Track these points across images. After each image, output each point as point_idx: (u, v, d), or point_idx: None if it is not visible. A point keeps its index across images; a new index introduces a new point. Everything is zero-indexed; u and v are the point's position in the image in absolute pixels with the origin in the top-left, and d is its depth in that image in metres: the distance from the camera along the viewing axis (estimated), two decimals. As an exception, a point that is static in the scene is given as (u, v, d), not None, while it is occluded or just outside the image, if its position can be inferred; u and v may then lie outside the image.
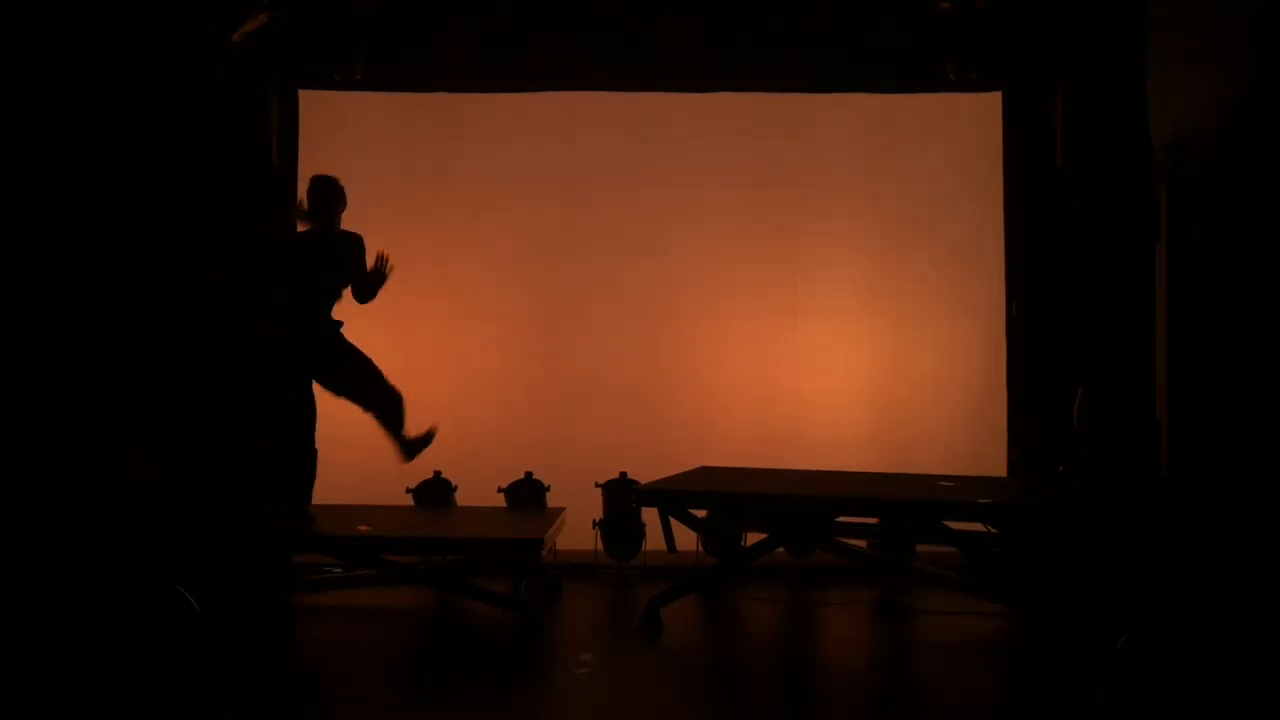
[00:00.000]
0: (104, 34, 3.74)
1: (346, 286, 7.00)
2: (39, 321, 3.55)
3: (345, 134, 8.48)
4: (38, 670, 3.55)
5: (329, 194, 6.96)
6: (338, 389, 6.99)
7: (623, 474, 7.89)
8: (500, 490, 7.91)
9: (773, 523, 7.04)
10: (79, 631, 3.60)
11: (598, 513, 7.86)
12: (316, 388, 6.98)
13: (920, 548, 7.58)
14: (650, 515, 7.40)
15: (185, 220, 7.74)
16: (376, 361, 7.03)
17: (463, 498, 7.89)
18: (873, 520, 7.02)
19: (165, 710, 4.30)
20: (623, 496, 7.69)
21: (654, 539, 7.58)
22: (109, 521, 3.65)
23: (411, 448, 7.05)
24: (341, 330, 7.01)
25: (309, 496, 6.99)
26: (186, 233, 7.75)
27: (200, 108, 7.70)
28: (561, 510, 7.53)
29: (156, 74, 6.89)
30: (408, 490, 7.86)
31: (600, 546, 7.86)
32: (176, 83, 7.38)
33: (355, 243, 7.01)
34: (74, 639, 3.60)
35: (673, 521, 7.12)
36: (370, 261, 6.93)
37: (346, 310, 7.05)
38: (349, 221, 7.03)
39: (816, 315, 8.56)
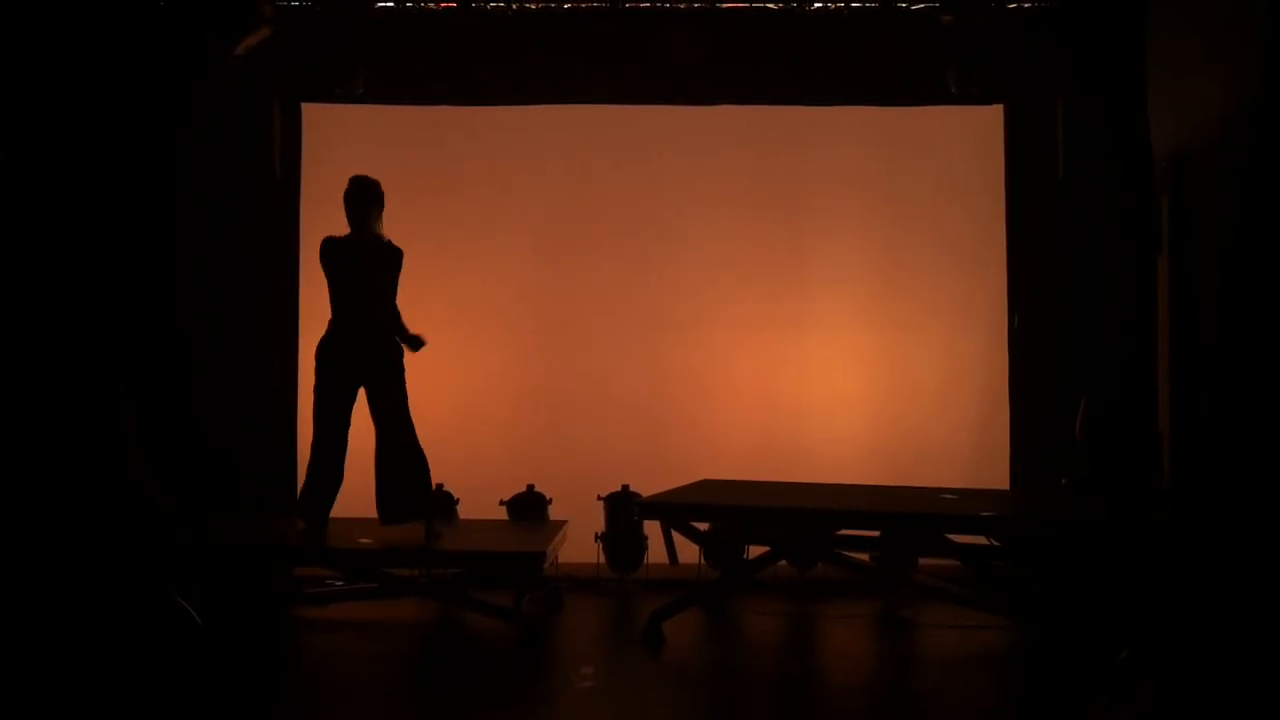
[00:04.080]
0: (108, 43, 3.76)
1: (390, 294, 6.87)
2: (39, 321, 3.55)
3: (348, 146, 8.49)
4: (37, 670, 3.55)
5: (363, 195, 6.83)
6: (379, 399, 6.87)
7: (625, 487, 7.88)
8: (502, 503, 7.90)
9: (775, 535, 7.03)
10: (78, 631, 3.60)
11: (600, 525, 7.86)
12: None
13: (922, 560, 7.56)
14: (652, 528, 7.39)
15: (185, 225, 7.78)
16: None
17: (464, 510, 7.88)
18: (875, 533, 7.00)
19: (162, 711, 4.29)
20: (625, 509, 7.68)
21: (656, 552, 7.58)
22: (109, 521, 3.65)
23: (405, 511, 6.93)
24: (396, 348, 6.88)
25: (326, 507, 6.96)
26: (186, 237, 7.79)
27: (203, 118, 7.74)
28: (563, 523, 7.52)
29: (159, 83, 6.93)
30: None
31: (602, 559, 7.85)
32: (179, 92, 7.41)
33: (395, 255, 6.88)
34: (73, 638, 3.60)
35: (675, 534, 7.11)
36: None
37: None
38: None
39: (819, 327, 8.55)
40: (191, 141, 7.78)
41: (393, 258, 6.88)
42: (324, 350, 6.88)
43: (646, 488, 7.50)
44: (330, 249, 6.85)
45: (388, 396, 6.86)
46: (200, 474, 7.47)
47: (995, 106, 8.46)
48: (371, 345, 6.85)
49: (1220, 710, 4.05)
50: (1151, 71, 7.05)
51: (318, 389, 6.90)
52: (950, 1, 7.88)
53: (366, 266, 6.85)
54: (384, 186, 7.03)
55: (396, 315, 6.89)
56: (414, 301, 7.08)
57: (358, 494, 7.15)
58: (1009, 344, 8.39)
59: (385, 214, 6.93)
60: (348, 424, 6.93)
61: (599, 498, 7.86)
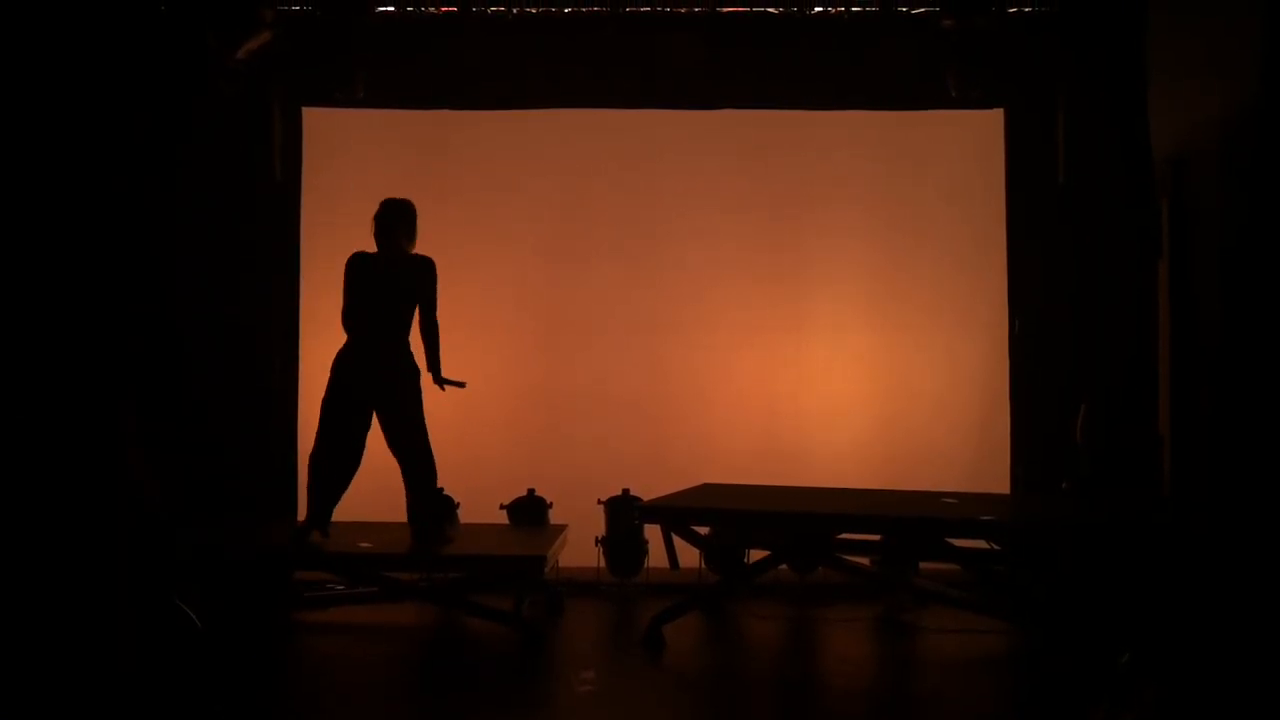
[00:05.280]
0: (109, 45, 3.77)
1: (413, 312, 6.91)
2: (41, 322, 3.56)
3: (348, 150, 8.52)
4: (38, 671, 3.55)
5: (390, 217, 6.90)
6: (390, 420, 6.91)
7: (625, 491, 7.87)
8: (502, 507, 7.89)
9: (775, 539, 7.03)
10: (79, 633, 3.60)
11: (600, 530, 7.85)
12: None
13: (923, 564, 7.55)
14: (653, 532, 7.38)
15: (186, 227, 7.79)
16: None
17: (465, 514, 7.87)
18: (875, 537, 7.00)
19: (163, 713, 4.30)
20: (625, 513, 7.67)
21: (656, 556, 7.57)
22: (109, 522, 3.65)
23: (427, 524, 6.99)
24: (413, 371, 6.92)
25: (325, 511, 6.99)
26: (187, 240, 7.80)
27: (204, 121, 7.75)
28: (564, 527, 7.52)
29: (161, 86, 6.94)
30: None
31: (603, 563, 7.84)
32: (180, 95, 7.42)
33: (424, 267, 6.93)
34: (74, 640, 3.60)
35: (675, 538, 7.11)
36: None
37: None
38: (358, 233, 7.02)
39: (819, 331, 8.56)
40: (192, 144, 7.79)
41: (420, 273, 6.92)
42: (341, 364, 6.92)
43: (647, 491, 7.50)
44: (357, 264, 6.88)
45: (404, 424, 6.90)
46: (200, 476, 7.48)
47: (996, 110, 8.45)
48: (388, 367, 6.89)
49: (1221, 715, 4.05)
50: (1151, 74, 7.06)
51: (330, 400, 6.92)
52: (950, 5, 7.88)
53: (390, 286, 6.90)
54: (384, 190, 7.05)
55: (435, 331, 6.94)
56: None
57: (358, 497, 7.16)
58: (1009, 347, 8.39)
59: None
60: (362, 439, 6.96)
61: (599, 502, 7.85)
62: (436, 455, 7.00)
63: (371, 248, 6.98)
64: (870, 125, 8.60)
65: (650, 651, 6.49)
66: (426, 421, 7.00)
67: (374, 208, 7.00)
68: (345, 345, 6.94)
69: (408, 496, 6.98)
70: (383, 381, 6.89)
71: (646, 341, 8.56)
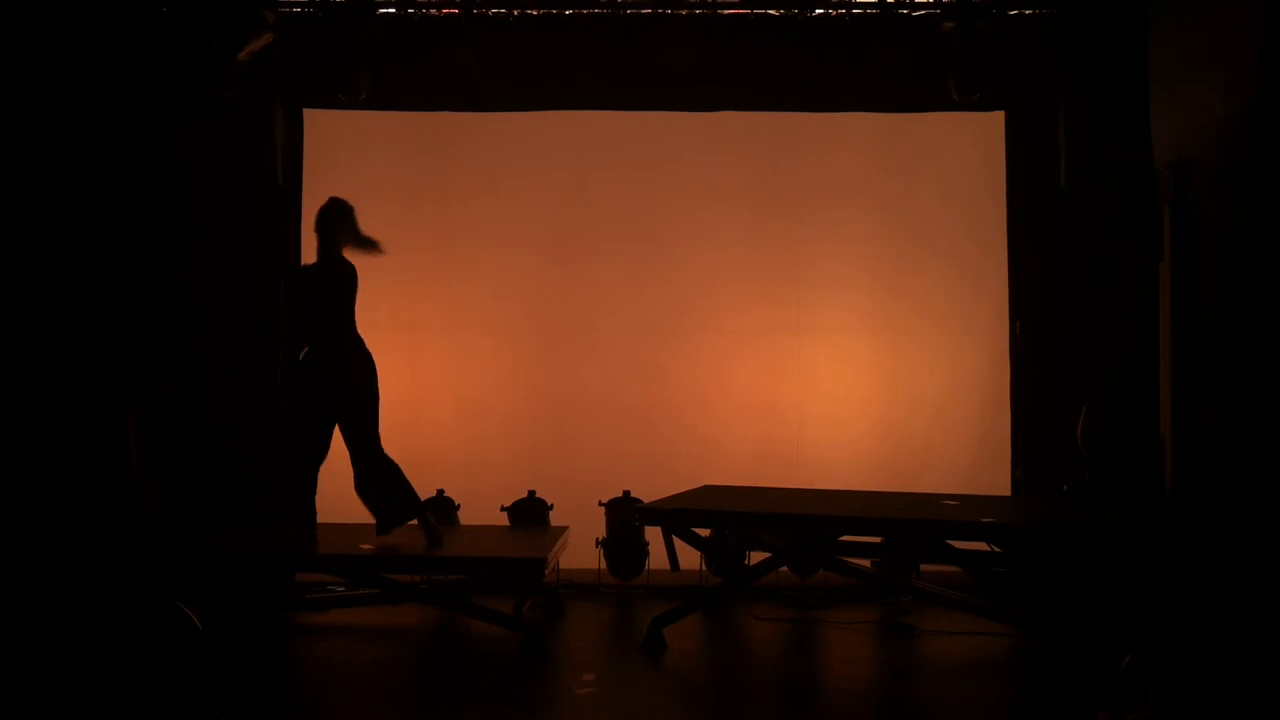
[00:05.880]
0: (113, 47, 3.78)
1: (336, 311, 6.90)
2: (41, 322, 3.57)
3: (350, 153, 8.52)
4: (37, 671, 3.55)
5: (328, 216, 6.91)
6: (345, 426, 6.91)
7: (626, 493, 7.87)
8: (503, 509, 7.90)
9: (776, 542, 7.03)
10: (78, 632, 3.60)
11: (601, 531, 7.85)
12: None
13: (924, 566, 7.55)
14: (654, 534, 7.38)
15: (188, 230, 7.79)
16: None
17: (465, 516, 7.88)
18: (876, 539, 7.00)
19: (162, 716, 4.29)
20: (626, 515, 7.68)
21: (657, 558, 7.57)
22: (109, 521, 3.65)
23: (388, 519, 6.98)
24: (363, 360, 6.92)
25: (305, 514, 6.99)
26: (189, 242, 7.80)
27: (205, 123, 7.75)
28: (564, 529, 7.52)
29: (162, 88, 6.94)
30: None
31: (603, 565, 7.84)
32: (182, 98, 7.42)
33: (347, 273, 6.91)
34: (73, 639, 3.60)
35: (676, 540, 7.11)
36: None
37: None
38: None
39: (820, 334, 8.56)
40: (194, 147, 7.78)
41: (342, 277, 6.90)
42: (297, 375, 6.99)
43: (648, 493, 7.50)
44: (296, 276, 6.94)
45: (352, 425, 6.91)
46: (201, 476, 7.48)
47: (996, 113, 8.47)
48: (336, 372, 6.89)
49: (1225, 716, 4.03)
50: (1152, 78, 7.06)
51: (293, 410, 6.96)
52: (952, 8, 7.89)
53: (325, 291, 6.92)
54: (386, 192, 7.05)
55: (354, 338, 6.91)
56: (415, 306, 7.09)
57: (359, 502, 7.15)
58: (1010, 350, 8.40)
59: (387, 218, 6.94)
60: (326, 444, 6.98)
61: (600, 503, 7.86)
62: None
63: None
64: (871, 127, 8.61)
65: (651, 653, 6.49)
66: (427, 422, 7.00)
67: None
68: (300, 358, 7.01)
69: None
70: (334, 389, 6.90)
71: (648, 343, 8.57)
